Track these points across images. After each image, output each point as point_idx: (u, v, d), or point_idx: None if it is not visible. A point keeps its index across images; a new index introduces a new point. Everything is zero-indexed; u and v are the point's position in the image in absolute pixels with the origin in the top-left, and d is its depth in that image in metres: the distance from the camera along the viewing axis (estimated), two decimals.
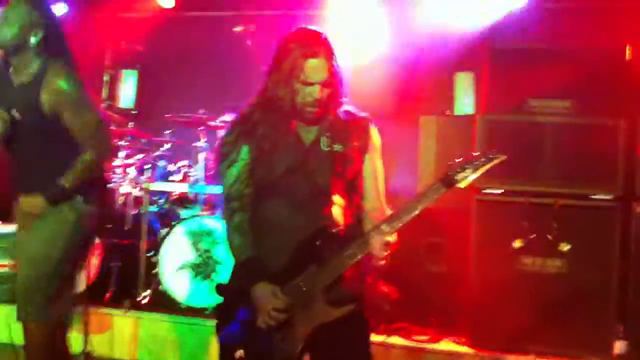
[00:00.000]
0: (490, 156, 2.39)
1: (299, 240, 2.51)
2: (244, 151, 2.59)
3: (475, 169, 2.38)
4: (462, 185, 2.39)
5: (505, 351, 4.17)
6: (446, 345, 4.39)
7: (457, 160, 2.40)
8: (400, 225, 2.39)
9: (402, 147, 5.10)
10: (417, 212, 2.38)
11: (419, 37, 5.76)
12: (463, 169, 2.38)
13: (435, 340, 4.43)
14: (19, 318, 3.34)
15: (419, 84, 5.97)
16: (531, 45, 4.54)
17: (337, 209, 2.58)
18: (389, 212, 2.52)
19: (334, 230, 2.51)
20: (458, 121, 5.33)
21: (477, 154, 2.41)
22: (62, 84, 3.19)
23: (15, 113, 3.26)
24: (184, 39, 6.56)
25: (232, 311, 2.58)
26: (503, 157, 2.40)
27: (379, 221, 2.44)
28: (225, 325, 2.59)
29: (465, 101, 5.45)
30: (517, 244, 4.20)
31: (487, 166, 2.39)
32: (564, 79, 4.31)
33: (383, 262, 2.42)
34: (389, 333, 4.43)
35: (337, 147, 2.57)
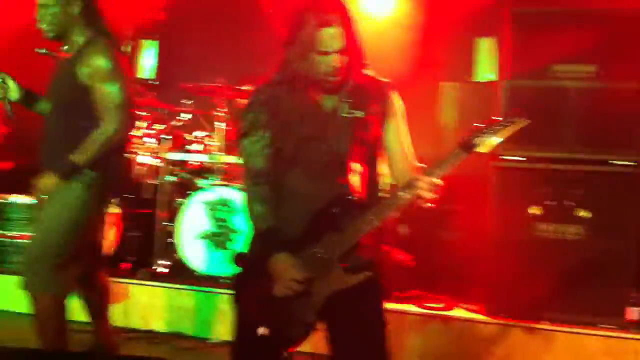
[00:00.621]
0: (513, 120, 2.35)
1: (317, 209, 2.51)
2: (264, 122, 2.57)
3: (496, 133, 2.35)
4: (482, 150, 2.35)
5: (519, 318, 4.14)
6: (460, 312, 4.36)
7: (478, 125, 2.37)
8: (408, 198, 2.39)
9: (422, 114, 5.02)
10: (437, 176, 2.38)
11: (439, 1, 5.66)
12: (483, 134, 2.34)
13: (449, 307, 4.40)
14: (24, 288, 3.38)
15: (439, 49, 5.85)
16: (553, 8, 4.40)
17: (356, 176, 2.56)
18: (417, 166, 2.53)
19: (351, 198, 2.50)
20: (479, 88, 5.26)
21: (498, 118, 2.36)
22: (99, 58, 3.30)
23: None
24: (203, 7, 6.52)
25: (250, 280, 2.58)
26: (525, 122, 2.35)
27: (399, 189, 2.43)
28: (242, 294, 2.59)
29: (486, 67, 5.33)
30: (535, 210, 4.12)
31: (509, 130, 2.35)
32: (587, 42, 4.20)
33: (430, 204, 2.39)
34: (403, 301, 4.42)
35: (357, 113, 2.55)
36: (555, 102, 4.20)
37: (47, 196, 3.39)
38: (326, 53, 2.45)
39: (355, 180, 2.56)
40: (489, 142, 2.34)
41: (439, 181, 2.37)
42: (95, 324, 3.80)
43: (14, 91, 3.54)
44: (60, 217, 3.36)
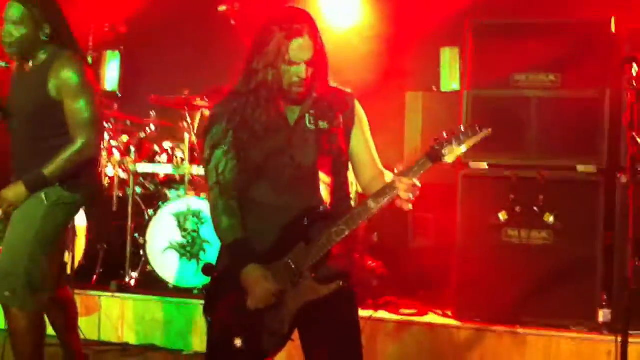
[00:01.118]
0: (477, 130, 2.39)
1: (286, 220, 2.51)
2: (230, 134, 2.56)
3: (461, 143, 2.38)
4: (448, 159, 2.38)
5: (491, 323, 4.21)
6: (433, 318, 4.42)
7: (443, 135, 2.40)
8: (386, 201, 2.39)
9: (387, 123, 5.10)
10: (415, 178, 2.39)
11: (405, 11, 5.75)
12: (449, 143, 2.38)
13: (422, 313, 4.46)
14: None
15: (405, 59, 5.95)
16: (514, 19, 4.51)
17: (324, 187, 2.57)
18: (390, 176, 2.54)
19: (320, 209, 2.51)
20: (444, 97, 5.34)
21: (463, 128, 2.40)
22: (69, 72, 3.27)
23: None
24: (167, 19, 6.51)
25: (222, 293, 2.57)
26: (488, 131, 2.39)
27: (369, 197, 2.44)
28: (214, 307, 2.58)
29: (450, 77, 5.43)
30: (502, 216, 4.22)
31: (473, 140, 2.38)
32: (548, 52, 4.30)
33: (410, 206, 2.40)
34: (377, 308, 4.44)
35: (322, 124, 2.56)
36: (518, 110, 4.29)
37: (14, 209, 3.34)
38: (294, 63, 2.46)
39: (323, 190, 2.56)
40: (455, 152, 2.38)
41: (417, 182, 2.40)
42: (64, 338, 3.74)
43: None
44: (29, 231, 3.31)
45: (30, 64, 3.40)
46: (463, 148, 2.38)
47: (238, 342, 2.49)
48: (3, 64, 3.75)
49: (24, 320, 3.33)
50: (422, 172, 2.39)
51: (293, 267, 2.45)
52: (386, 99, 5.42)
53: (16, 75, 3.48)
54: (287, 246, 2.49)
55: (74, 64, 3.31)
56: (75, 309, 3.82)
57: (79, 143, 3.29)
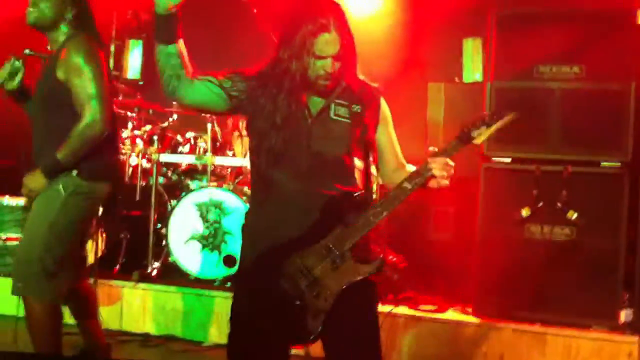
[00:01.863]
0: (502, 114, 2.49)
1: (318, 206, 2.52)
2: (236, 95, 2.54)
3: (490, 125, 2.48)
4: (478, 141, 2.48)
5: (511, 320, 4.18)
6: (452, 314, 4.41)
7: (473, 119, 2.50)
8: (421, 180, 2.47)
9: (409, 114, 5.05)
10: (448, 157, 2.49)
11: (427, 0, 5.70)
12: (478, 126, 2.48)
13: (442, 309, 4.45)
14: (13, 292, 3.38)
15: (427, 50, 5.90)
16: (538, 9, 4.44)
17: (358, 173, 2.63)
18: (411, 167, 2.59)
19: (356, 193, 2.55)
20: (466, 88, 5.28)
21: (489, 112, 2.51)
22: (74, 52, 3.28)
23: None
24: (190, 6, 6.48)
25: (253, 279, 2.56)
26: (515, 115, 2.48)
27: (404, 179, 2.50)
28: (246, 293, 2.58)
29: (473, 67, 5.38)
30: (524, 212, 4.17)
31: (501, 122, 2.48)
32: (572, 43, 4.23)
33: (447, 181, 2.48)
34: (396, 303, 4.44)
35: (349, 113, 2.57)
36: (541, 103, 4.24)
37: (35, 196, 3.37)
38: (321, 57, 2.46)
39: (357, 176, 2.63)
40: (484, 133, 2.48)
41: (450, 162, 2.47)
42: (84, 327, 3.78)
43: (16, 81, 3.47)
44: (45, 222, 3.33)
45: (49, 47, 3.44)
46: (491, 130, 2.48)
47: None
48: (29, 52, 3.70)
49: (38, 309, 3.36)
50: (453, 153, 2.49)
51: (333, 248, 2.48)
52: (408, 89, 5.38)
53: (43, 63, 3.51)
54: (324, 230, 2.51)
55: (81, 45, 3.32)
56: (95, 297, 3.87)
57: (87, 118, 3.28)
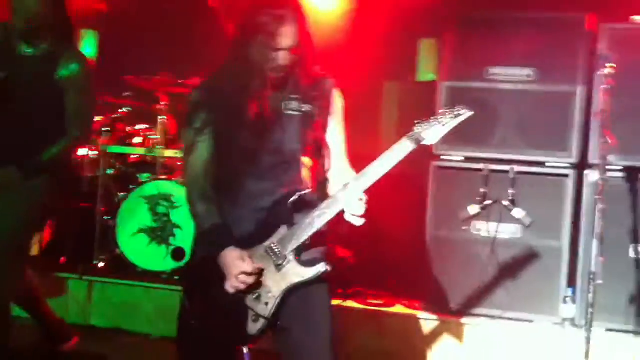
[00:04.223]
0: (458, 112, 2.38)
1: (267, 205, 2.50)
2: (208, 119, 2.54)
3: (443, 125, 2.37)
4: (429, 142, 2.38)
5: (457, 314, 4.24)
6: (400, 309, 4.44)
7: (425, 118, 2.39)
8: (369, 183, 2.38)
9: (364, 112, 5.08)
10: (385, 170, 2.37)
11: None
12: (430, 126, 2.37)
13: (390, 304, 4.48)
14: None
15: (382, 49, 5.93)
16: (495, 13, 4.52)
17: (306, 171, 2.58)
18: (353, 172, 2.52)
19: (303, 193, 2.49)
20: (420, 88, 5.34)
21: (444, 110, 2.39)
22: (77, 67, 3.39)
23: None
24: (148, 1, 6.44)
25: (200, 278, 2.55)
26: (470, 113, 2.38)
27: (349, 179, 2.43)
28: (193, 293, 2.56)
29: (428, 67, 5.43)
30: (471, 209, 4.24)
31: (455, 122, 2.37)
32: (525, 47, 4.32)
33: (361, 220, 2.40)
34: (345, 297, 4.47)
35: (303, 109, 2.55)
36: (493, 103, 4.31)
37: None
38: (277, 49, 2.45)
39: (306, 174, 2.57)
40: (437, 133, 2.37)
41: (363, 196, 2.39)
42: (39, 318, 3.80)
43: None
44: (18, 218, 3.34)
45: (30, 50, 3.39)
46: (444, 130, 2.37)
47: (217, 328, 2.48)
48: None
49: None
50: (403, 154, 2.37)
51: (276, 250, 2.44)
52: (363, 88, 5.40)
53: (10, 58, 3.42)
54: (269, 230, 2.48)
55: (81, 60, 3.45)
56: (38, 288, 3.86)
57: (76, 135, 3.43)
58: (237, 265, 2.42)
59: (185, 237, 4.77)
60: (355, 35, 5.88)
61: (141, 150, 5.30)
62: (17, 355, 3.60)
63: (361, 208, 2.40)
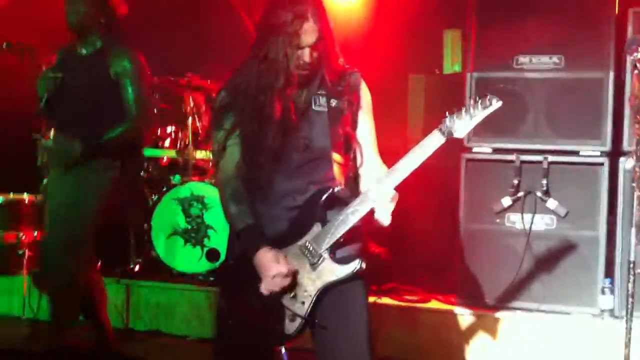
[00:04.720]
0: (487, 103, 2.35)
1: (299, 203, 2.50)
2: (237, 120, 2.55)
3: (472, 117, 2.35)
4: (459, 135, 2.36)
5: (493, 308, 4.22)
6: (436, 304, 4.44)
7: (453, 111, 2.37)
8: (401, 179, 2.38)
9: (390, 105, 5.07)
10: (416, 164, 2.37)
11: None
12: (460, 118, 2.35)
13: (425, 299, 4.48)
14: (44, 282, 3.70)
15: (408, 41, 5.91)
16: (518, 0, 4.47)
17: (337, 167, 2.57)
18: (384, 166, 2.52)
19: (335, 190, 2.49)
20: (446, 79, 5.31)
21: (473, 101, 2.36)
22: (128, 60, 3.73)
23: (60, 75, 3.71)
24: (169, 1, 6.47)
25: (236, 279, 2.56)
26: (499, 103, 2.34)
27: (380, 176, 2.43)
28: (229, 293, 2.58)
29: (453, 59, 5.40)
30: (505, 202, 4.21)
31: (485, 113, 2.35)
32: (552, 34, 4.27)
33: (389, 218, 2.40)
34: (380, 294, 4.47)
35: (330, 105, 2.55)
36: (521, 93, 4.27)
37: (62, 168, 3.67)
38: (299, 47, 2.46)
39: (337, 171, 2.56)
40: (466, 126, 2.35)
41: (393, 192, 2.37)
42: (97, 321, 3.98)
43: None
44: (75, 206, 3.65)
45: (84, 50, 3.77)
46: (474, 122, 2.35)
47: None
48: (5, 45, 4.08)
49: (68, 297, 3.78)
50: (434, 148, 2.36)
51: (311, 248, 2.45)
52: (389, 81, 5.38)
53: (69, 58, 3.82)
54: (302, 228, 2.48)
55: (131, 55, 3.77)
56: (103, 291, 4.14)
57: (136, 121, 3.73)
58: (272, 267, 2.42)
59: (219, 238, 4.81)
60: (378, 28, 5.87)
61: (172, 153, 5.33)
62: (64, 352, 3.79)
63: (391, 206, 2.40)
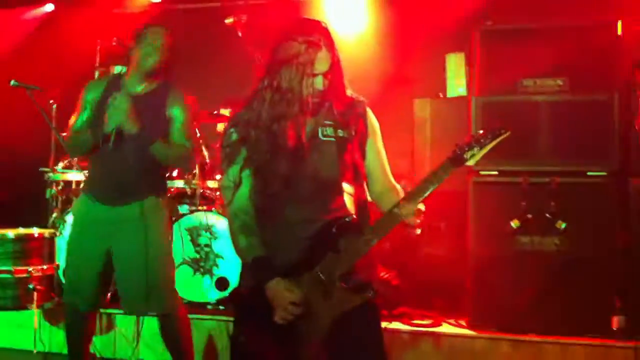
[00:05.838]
0: (496, 133, 2.42)
1: (310, 233, 2.52)
2: (249, 154, 2.59)
3: (482, 146, 2.41)
4: (470, 162, 2.42)
5: (506, 331, 4.19)
6: (448, 328, 4.41)
7: (464, 140, 2.43)
8: (414, 205, 2.41)
9: (396, 131, 5.08)
10: (428, 192, 2.42)
11: (409, 17, 5.76)
12: (470, 147, 2.41)
13: (437, 324, 4.45)
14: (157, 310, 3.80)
15: (412, 66, 5.95)
16: (521, 24, 4.50)
17: (348, 197, 2.59)
18: (400, 190, 2.58)
19: (347, 219, 2.52)
20: (451, 103, 5.32)
21: (482, 131, 2.43)
22: (182, 102, 3.72)
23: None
24: (176, 33, 6.52)
25: (250, 310, 2.58)
26: (507, 133, 2.42)
27: (393, 205, 2.45)
28: (243, 324, 2.60)
29: (457, 82, 5.42)
30: (514, 223, 4.21)
31: (494, 143, 2.42)
32: (556, 56, 4.30)
33: (418, 230, 2.45)
34: (391, 319, 4.44)
35: (339, 134, 2.58)
36: (527, 115, 4.29)
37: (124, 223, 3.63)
38: (313, 74, 2.50)
39: (347, 200, 2.59)
40: (476, 155, 2.41)
41: (421, 206, 2.42)
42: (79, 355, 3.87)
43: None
44: (162, 238, 3.75)
45: (138, 88, 3.68)
46: (483, 151, 2.42)
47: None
48: (15, 83, 4.21)
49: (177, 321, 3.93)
50: (445, 176, 2.42)
51: (323, 277, 2.46)
52: (394, 106, 5.41)
53: (132, 98, 3.66)
54: (315, 257, 2.50)
55: (183, 97, 3.75)
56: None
57: (186, 149, 3.72)
58: (284, 297, 2.45)
59: (228, 266, 4.81)
60: (383, 55, 5.92)
61: (179, 183, 5.35)
62: None
63: (419, 220, 2.44)
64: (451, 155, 2.42)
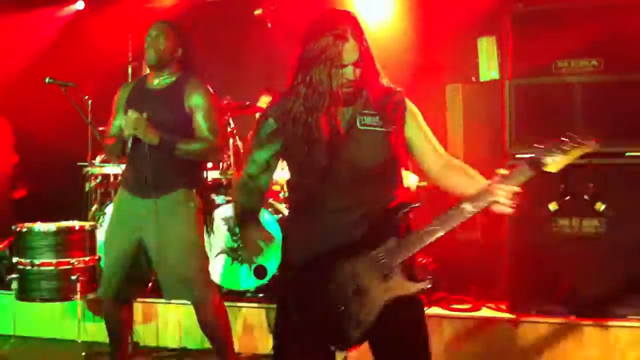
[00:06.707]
0: (580, 142, 2.40)
1: (355, 219, 2.54)
2: (279, 142, 2.64)
3: (565, 153, 2.40)
4: (550, 169, 2.40)
5: (545, 315, 4.18)
6: (487, 312, 4.41)
7: (547, 144, 2.43)
8: (483, 206, 2.45)
9: (428, 117, 5.07)
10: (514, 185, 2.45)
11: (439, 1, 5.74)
12: (551, 153, 2.40)
13: (476, 308, 4.46)
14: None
15: (443, 51, 5.93)
16: (552, 4, 4.46)
17: (400, 185, 2.64)
18: (457, 162, 2.60)
19: (414, 205, 2.53)
20: (484, 87, 5.30)
21: (565, 139, 2.41)
22: (201, 94, 3.74)
23: (145, 114, 3.63)
24: (204, 24, 6.57)
25: (294, 288, 2.60)
26: (595, 145, 2.41)
27: (500, 177, 2.48)
28: (289, 302, 2.61)
29: (489, 66, 5.39)
30: (552, 206, 4.18)
31: (578, 151, 2.40)
32: (589, 36, 4.25)
33: (510, 209, 2.45)
34: (429, 304, 4.45)
35: (379, 121, 2.58)
36: (562, 97, 4.26)
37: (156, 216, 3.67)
38: (342, 66, 2.50)
39: (402, 188, 2.63)
40: (559, 162, 2.40)
41: (517, 189, 2.44)
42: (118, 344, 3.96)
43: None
44: (193, 230, 3.77)
45: (156, 83, 3.77)
46: (566, 159, 2.41)
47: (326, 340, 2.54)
48: (49, 80, 4.23)
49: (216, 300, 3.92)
50: (523, 179, 2.43)
51: (383, 260, 2.48)
52: (426, 93, 5.39)
53: (139, 93, 3.81)
54: (375, 240, 2.51)
55: (204, 88, 3.78)
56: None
57: (211, 143, 3.72)
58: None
59: (265, 254, 4.83)
60: (413, 42, 5.91)
61: (215, 173, 5.41)
62: None
63: (511, 201, 2.46)
64: (530, 158, 2.43)
